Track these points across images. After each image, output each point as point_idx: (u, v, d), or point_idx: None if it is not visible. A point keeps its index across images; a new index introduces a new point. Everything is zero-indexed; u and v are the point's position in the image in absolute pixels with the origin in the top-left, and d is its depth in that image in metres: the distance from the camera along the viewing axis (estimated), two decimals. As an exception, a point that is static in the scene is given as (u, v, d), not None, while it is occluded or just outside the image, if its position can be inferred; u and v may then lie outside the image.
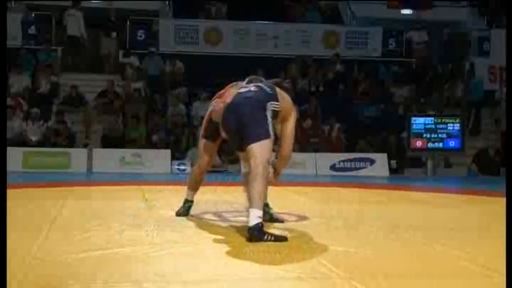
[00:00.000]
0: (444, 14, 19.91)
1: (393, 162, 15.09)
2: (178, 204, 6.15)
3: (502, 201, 7.38)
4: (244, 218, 6.02)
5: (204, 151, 5.94)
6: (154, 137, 14.99)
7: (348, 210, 7.07)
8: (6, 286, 3.30)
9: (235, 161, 14.59)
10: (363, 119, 16.37)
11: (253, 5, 18.34)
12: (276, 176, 5.25)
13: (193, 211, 6.06)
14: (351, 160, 14.94)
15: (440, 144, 15.12)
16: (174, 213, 6.07)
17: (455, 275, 3.90)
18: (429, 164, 15.15)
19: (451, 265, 4.15)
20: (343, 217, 6.35)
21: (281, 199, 8.12)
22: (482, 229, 5.65)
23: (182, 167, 14.23)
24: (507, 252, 3.85)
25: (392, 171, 14.89)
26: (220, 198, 7.82)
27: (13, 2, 17.86)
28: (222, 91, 5.83)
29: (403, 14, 20.09)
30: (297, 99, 16.22)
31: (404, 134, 15.48)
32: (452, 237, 5.30)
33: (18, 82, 15.69)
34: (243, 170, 5.58)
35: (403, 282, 3.71)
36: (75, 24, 16.78)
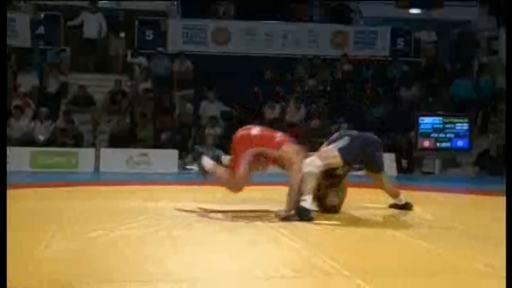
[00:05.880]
0: (453, 14, 19.81)
1: (404, 161, 15.04)
2: (186, 203, 6.14)
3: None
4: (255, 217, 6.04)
5: None
6: (163, 136, 14.99)
7: (356, 209, 7.04)
8: (6, 286, 3.32)
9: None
10: (370, 119, 16.31)
11: (261, 4, 18.32)
12: None
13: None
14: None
15: (448, 144, 15.05)
16: (179, 213, 6.04)
17: (461, 273, 3.91)
18: (437, 163, 15.08)
19: (457, 264, 4.15)
20: (348, 215, 6.35)
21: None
22: (485, 228, 5.64)
23: (189, 167, 14.18)
24: (507, 252, 3.84)
25: (402, 170, 14.84)
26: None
27: (22, 2, 17.91)
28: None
29: (412, 14, 20.03)
30: (305, 99, 16.47)
31: (412, 134, 15.40)
32: (457, 235, 5.29)
33: (26, 82, 15.73)
34: None
35: (406, 280, 3.71)
36: (93, 27, 16.82)
